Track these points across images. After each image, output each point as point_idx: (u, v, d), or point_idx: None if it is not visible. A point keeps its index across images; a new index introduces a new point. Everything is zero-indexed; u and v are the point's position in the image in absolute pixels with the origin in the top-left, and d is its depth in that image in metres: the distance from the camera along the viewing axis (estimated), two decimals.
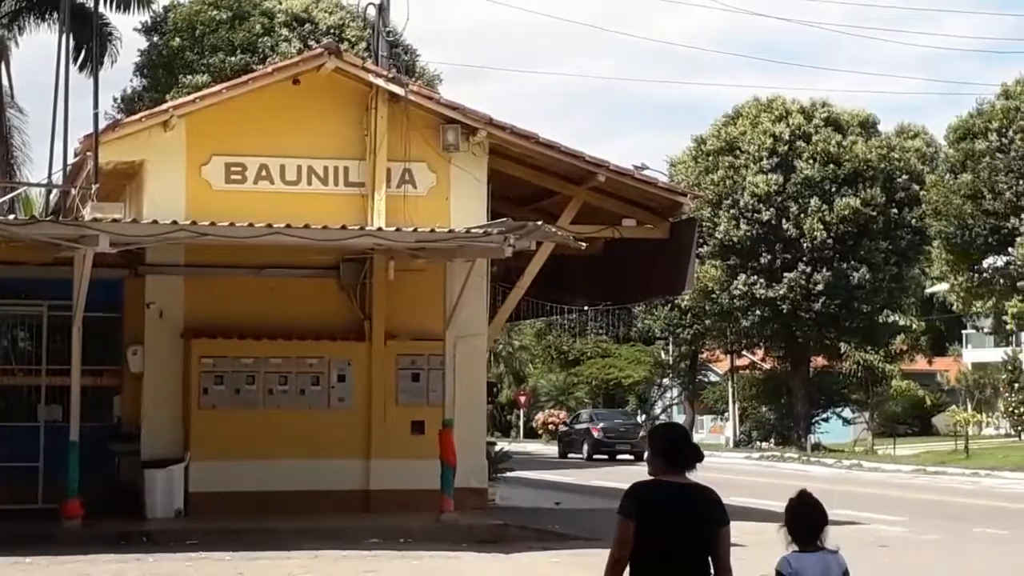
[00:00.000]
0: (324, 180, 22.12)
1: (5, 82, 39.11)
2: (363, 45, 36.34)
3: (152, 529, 19.72)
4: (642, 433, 49.14)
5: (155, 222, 18.74)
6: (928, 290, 61.54)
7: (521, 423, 72.85)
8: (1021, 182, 40.32)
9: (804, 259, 51.75)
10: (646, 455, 7.06)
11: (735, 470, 43.87)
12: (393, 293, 22.27)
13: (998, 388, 57.94)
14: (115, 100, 44.67)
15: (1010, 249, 39.84)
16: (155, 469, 20.87)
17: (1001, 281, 41.67)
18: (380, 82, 22.07)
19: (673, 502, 6.62)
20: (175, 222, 18.66)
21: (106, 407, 22.07)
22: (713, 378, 71.05)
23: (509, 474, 29.71)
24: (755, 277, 51.96)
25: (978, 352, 65.20)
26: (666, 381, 71.76)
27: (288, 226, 18.71)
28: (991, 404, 59.07)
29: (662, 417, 73.77)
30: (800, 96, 55.13)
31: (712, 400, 68.92)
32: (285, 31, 42.61)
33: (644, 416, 67.73)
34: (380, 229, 20.31)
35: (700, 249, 45.49)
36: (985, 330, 58.61)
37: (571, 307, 33.82)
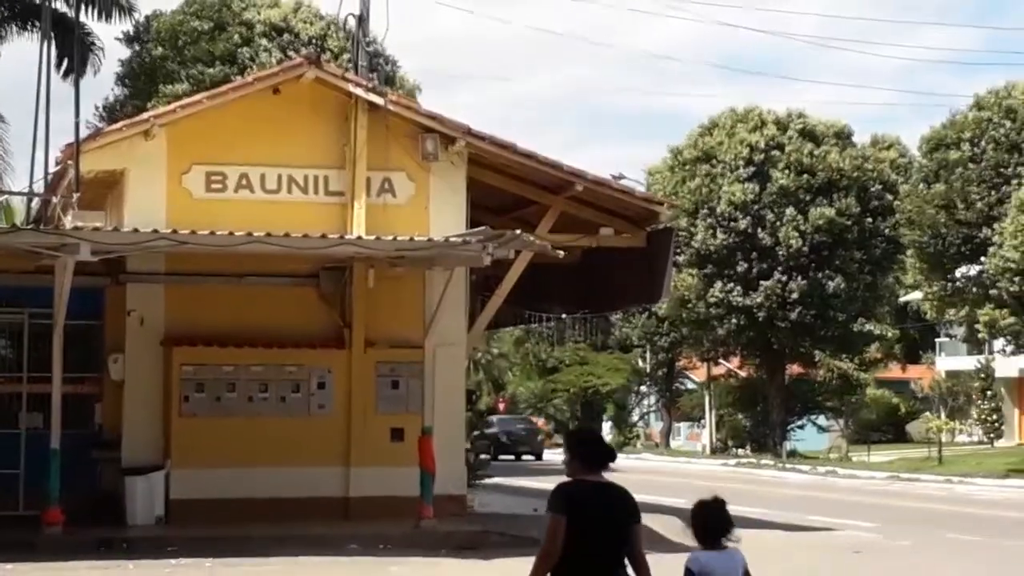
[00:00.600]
0: (304, 189, 22.23)
1: None
2: (346, 56, 36.43)
3: (133, 536, 19.78)
4: (541, 437, 58.16)
5: (136, 230, 18.82)
6: (902, 299, 61.95)
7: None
8: (993, 192, 40.64)
9: (780, 268, 52.06)
10: (563, 458, 7.48)
11: (712, 476, 44.15)
12: (373, 301, 22.40)
13: (971, 396, 58.37)
14: (97, 109, 44.67)
15: (983, 258, 40.11)
16: (136, 476, 20.91)
17: (974, 290, 41.95)
18: (360, 92, 22.21)
19: (594, 501, 7.12)
20: (156, 231, 18.75)
21: (87, 415, 22.14)
22: (690, 386, 71.33)
23: (488, 480, 29.87)
24: (731, 285, 52.24)
25: (951, 360, 65.61)
26: (643, 389, 72.02)
27: (268, 235, 18.81)
28: (964, 411, 59.46)
29: (639, 424, 74.08)
30: (775, 107, 55.51)
31: (689, 407, 69.21)
32: (264, 41, 42.67)
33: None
34: (360, 238, 20.45)
35: (677, 258, 45.78)
36: (958, 338, 59.02)
37: (549, 315, 34.01)
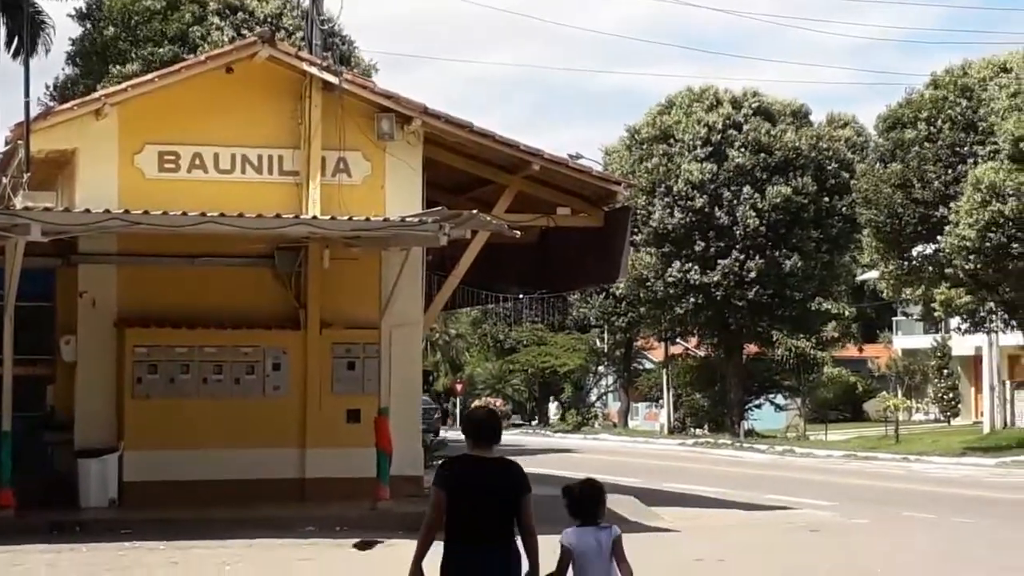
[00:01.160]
0: (258, 169, 22.04)
1: None
2: (300, 35, 36.15)
3: (86, 519, 19.61)
4: (437, 415, 57.54)
5: (88, 211, 18.62)
6: (859, 278, 62.24)
7: (457, 411, 72.88)
8: (949, 171, 40.76)
9: (737, 247, 52.17)
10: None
11: (670, 456, 44.27)
12: (328, 282, 22.26)
13: (927, 374, 58.75)
14: (47, 88, 44.19)
15: (939, 237, 40.21)
16: (89, 459, 20.76)
17: (930, 269, 42.08)
18: (314, 71, 22.02)
19: (478, 474, 7.77)
20: (108, 211, 18.56)
21: (39, 397, 21.89)
22: (648, 366, 71.50)
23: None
24: (689, 265, 52.32)
25: (908, 339, 65.99)
26: (601, 369, 72.15)
27: (222, 215, 18.66)
28: (921, 390, 59.88)
29: (597, 404, 74.24)
30: (732, 86, 55.54)
31: (647, 387, 69.37)
32: (217, 20, 42.28)
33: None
34: (315, 218, 20.29)
35: (634, 237, 45.80)
36: (915, 317, 59.30)
37: (506, 295, 33.94)
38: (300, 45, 28.46)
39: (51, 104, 35.17)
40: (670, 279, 52.51)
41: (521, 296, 37.45)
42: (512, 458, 8.04)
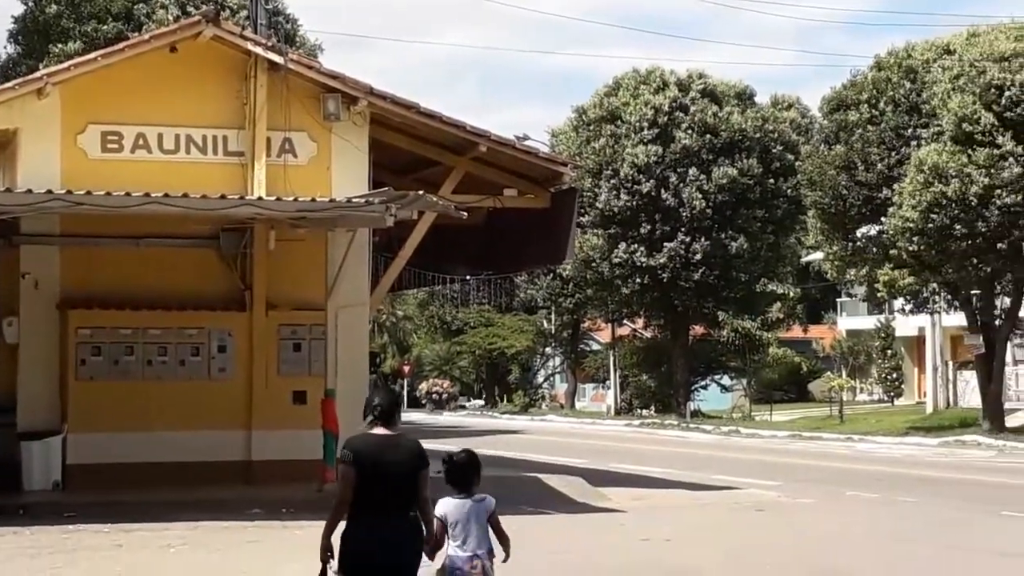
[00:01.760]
0: (203, 149, 21.86)
1: None
2: (244, 14, 35.87)
3: (29, 502, 19.48)
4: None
5: (29, 191, 18.43)
6: (804, 259, 62.55)
7: (405, 393, 72.86)
8: (893, 153, 40.95)
9: (683, 229, 52.30)
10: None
11: (617, 437, 44.42)
12: (274, 263, 22.16)
13: (871, 355, 59.19)
14: None
15: (882, 219, 40.39)
16: (32, 441, 20.63)
17: (874, 250, 42.28)
18: (259, 50, 21.86)
19: (381, 450, 8.30)
20: (50, 191, 18.36)
21: None
22: (595, 347, 71.63)
23: None
24: (635, 246, 52.39)
25: (852, 320, 66.45)
26: (549, 350, 72.22)
27: (166, 195, 18.49)
28: (865, 371, 60.32)
29: (544, 386, 74.36)
30: (677, 68, 55.58)
31: (594, 368, 69.51)
32: None
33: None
34: (260, 199, 20.17)
35: (581, 219, 45.79)
36: (859, 298, 59.66)
37: (453, 277, 33.90)
38: (245, 24, 28.22)
39: None
40: (616, 260, 52.59)
41: (468, 277, 37.44)
42: (425, 440, 8.60)
